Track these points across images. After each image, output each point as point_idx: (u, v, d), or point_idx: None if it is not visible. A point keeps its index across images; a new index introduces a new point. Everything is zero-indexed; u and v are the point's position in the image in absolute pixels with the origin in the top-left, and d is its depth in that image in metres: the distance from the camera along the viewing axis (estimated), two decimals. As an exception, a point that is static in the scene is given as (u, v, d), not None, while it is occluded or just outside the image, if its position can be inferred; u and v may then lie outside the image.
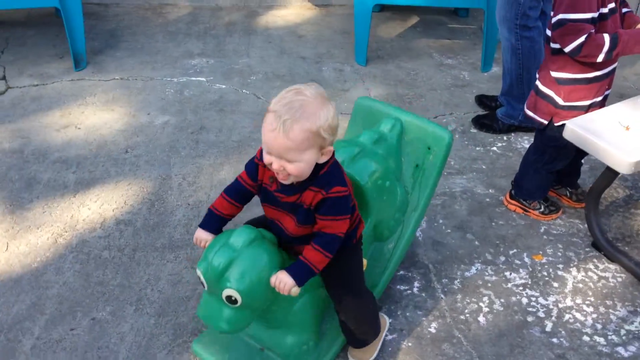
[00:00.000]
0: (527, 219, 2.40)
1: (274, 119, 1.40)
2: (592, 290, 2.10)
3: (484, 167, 2.69)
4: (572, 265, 2.20)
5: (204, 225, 1.63)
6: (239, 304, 1.49)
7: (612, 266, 2.19)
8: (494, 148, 2.82)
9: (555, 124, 2.13)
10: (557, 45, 2.04)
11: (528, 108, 2.22)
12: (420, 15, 4.19)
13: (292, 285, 1.49)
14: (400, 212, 2.00)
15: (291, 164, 1.43)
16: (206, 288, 1.53)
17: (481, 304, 2.04)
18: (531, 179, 2.33)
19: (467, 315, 2.00)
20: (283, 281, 1.49)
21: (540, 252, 2.25)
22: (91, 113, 3.06)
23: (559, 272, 2.17)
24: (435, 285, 2.11)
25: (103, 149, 2.78)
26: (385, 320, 1.92)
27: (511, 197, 2.42)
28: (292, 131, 1.38)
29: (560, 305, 2.04)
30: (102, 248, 2.24)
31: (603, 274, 2.16)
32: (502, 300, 2.06)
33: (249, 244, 1.51)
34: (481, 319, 1.99)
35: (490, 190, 2.55)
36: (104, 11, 4.24)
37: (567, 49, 1.97)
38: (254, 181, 1.59)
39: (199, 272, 1.52)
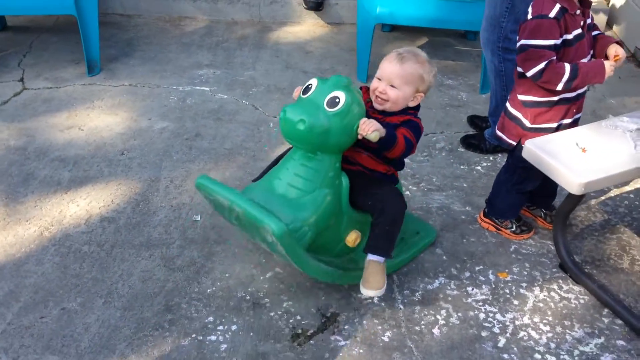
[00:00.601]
0: (499, 238, 2.42)
1: (395, 55, 1.93)
2: (552, 310, 2.11)
3: (465, 185, 2.72)
4: (535, 284, 2.21)
5: None
6: (337, 107, 1.77)
7: (577, 288, 2.20)
8: (478, 167, 2.85)
9: (523, 146, 2.15)
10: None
11: (498, 129, 2.26)
12: (429, 37, 4.24)
13: (378, 128, 1.79)
14: None
15: (393, 90, 1.91)
16: (309, 93, 1.82)
17: (438, 316, 2.07)
18: (503, 198, 2.35)
19: (423, 326, 2.04)
20: (372, 122, 1.80)
21: (506, 270, 2.27)
22: (96, 116, 3.21)
23: (521, 291, 2.18)
24: (396, 295, 2.15)
25: (101, 150, 2.92)
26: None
27: (485, 215, 2.45)
28: (406, 64, 1.91)
29: (517, 323, 2.06)
30: (83, 243, 2.35)
31: (566, 295, 2.17)
32: (460, 314, 2.08)
33: (360, 92, 1.91)
34: (435, 330, 2.02)
35: (467, 208, 2.58)
36: (126, 21, 4.43)
37: (528, 74, 2.02)
38: None
39: (312, 81, 1.85)
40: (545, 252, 2.36)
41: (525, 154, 2.02)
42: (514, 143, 2.20)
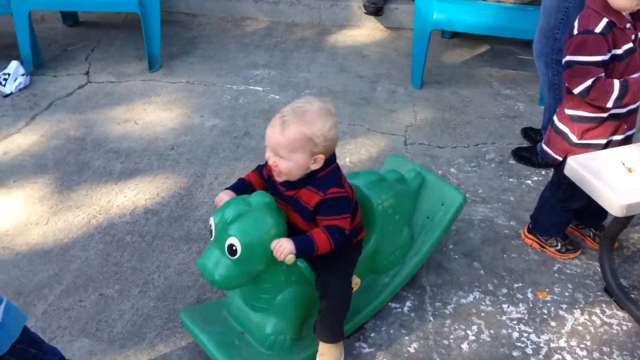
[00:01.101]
0: (543, 255, 2.33)
1: (278, 118, 1.63)
2: (591, 334, 2.02)
3: (512, 198, 2.64)
4: (577, 306, 2.12)
5: (229, 188, 1.79)
6: (237, 255, 1.62)
7: (621, 313, 2.09)
8: (528, 181, 2.76)
9: (569, 161, 2.07)
10: (569, 85, 2.01)
11: (544, 142, 2.18)
12: (491, 44, 4.14)
13: (291, 251, 1.61)
14: (401, 251, 2.11)
15: (282, 161, 1.63)
16: (213, 237, 1.67)
17: (469, 331, 2.02)
18: (547, 215, 2.27)
19: (451, 340, 1.99)
20: (283, 246, 1.61)
21: (547, 290, 2.19)
22: (152, 111, 3.30)
23: (561, 312, 2.10)
24: (427, 307, 2.11)
25: (152, 144, 3.00)
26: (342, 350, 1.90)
27: (529, 231, 2.37)
28: (287, 130, 1.60)
29: (552, 345, 1.98)
30: (127, 232, 2.43)
31: (608, 320, 2.07)
32: (492, 331, 2.02)
33: (262, 206, 1.66)
34: (464, 346, 1.97)
35: (511, 222, 2.50)
36: (190, 20, 4.54)
37: (575, 91, 1.94)
38: (262, 173, 1.82)
39: (211, 221, 1.67)
40: (591, 273, 2.26)
41: (567, 171, 1.94)
42: (560, 158, 2.11)
